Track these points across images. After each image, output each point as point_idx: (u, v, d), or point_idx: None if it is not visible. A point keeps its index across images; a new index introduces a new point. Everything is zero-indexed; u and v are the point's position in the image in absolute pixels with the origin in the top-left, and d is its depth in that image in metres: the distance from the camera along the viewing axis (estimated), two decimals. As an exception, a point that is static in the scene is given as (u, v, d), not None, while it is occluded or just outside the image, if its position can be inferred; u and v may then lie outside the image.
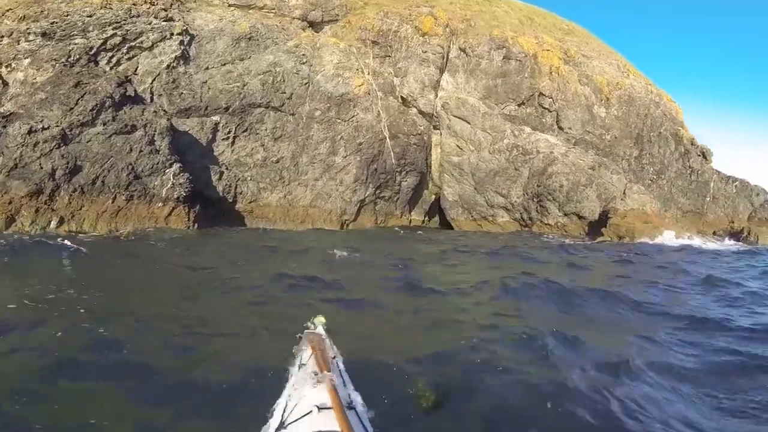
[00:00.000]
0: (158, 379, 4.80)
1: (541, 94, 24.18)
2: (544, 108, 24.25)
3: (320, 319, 4.53)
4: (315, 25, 24.41)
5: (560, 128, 24.03)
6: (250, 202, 20.13)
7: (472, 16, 26.12)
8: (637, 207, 20.17)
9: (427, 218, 25.49)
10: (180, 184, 15.98)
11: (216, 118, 19.84)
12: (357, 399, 3.16)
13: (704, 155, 25.35)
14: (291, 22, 23.45)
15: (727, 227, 23.12)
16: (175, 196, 15.75)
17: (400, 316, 7.65)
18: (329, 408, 2.78)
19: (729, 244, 20.70)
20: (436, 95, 23.53)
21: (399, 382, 4.80)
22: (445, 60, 24.15)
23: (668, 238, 19.28)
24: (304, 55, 21.94)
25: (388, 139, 22.43)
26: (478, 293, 9.22)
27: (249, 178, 20.22)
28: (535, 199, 21.96)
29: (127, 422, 4.14)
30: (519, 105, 24.20)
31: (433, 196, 24.96)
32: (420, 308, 8.02)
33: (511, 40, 24.71)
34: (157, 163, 15.97)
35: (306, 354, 3.81)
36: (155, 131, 16.31)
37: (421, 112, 23.46)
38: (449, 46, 24.48)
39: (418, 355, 5.58)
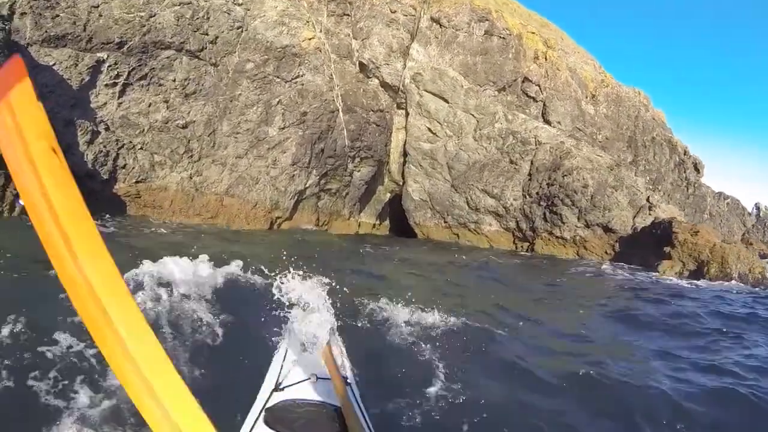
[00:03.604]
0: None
1: (526, 79, 20.10)
2: (530, 96, 20.17)
3: None
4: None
5: (547, 122, 20.00)
6: (137, 182, 14.12)
7: (446, -16, 21.82)
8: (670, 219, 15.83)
9: (378, 221, 20.42)
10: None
11: (102, 55, 13.75)
12: (350, 375, 3.04)
13: (696, 167, 22.37)
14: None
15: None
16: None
17: None
18: (328, 378, 2.78)
19: None
20: (404, 65, 18.67)
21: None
22: (415, 28, 19.47)
23: None
24: (237, -7, 16.34)
25: (341, 113, 17.19)
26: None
27: (139, 147, 14.20)
28: (542, 203, 17.00)
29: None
30: (499, 90, 19.91)
31: (389, 194, 19.94)
32: None
33: (495, 13, 20.56)
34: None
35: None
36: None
37: (384, 84, 18.48)
38: (420, 15, 19.86)
39: None
